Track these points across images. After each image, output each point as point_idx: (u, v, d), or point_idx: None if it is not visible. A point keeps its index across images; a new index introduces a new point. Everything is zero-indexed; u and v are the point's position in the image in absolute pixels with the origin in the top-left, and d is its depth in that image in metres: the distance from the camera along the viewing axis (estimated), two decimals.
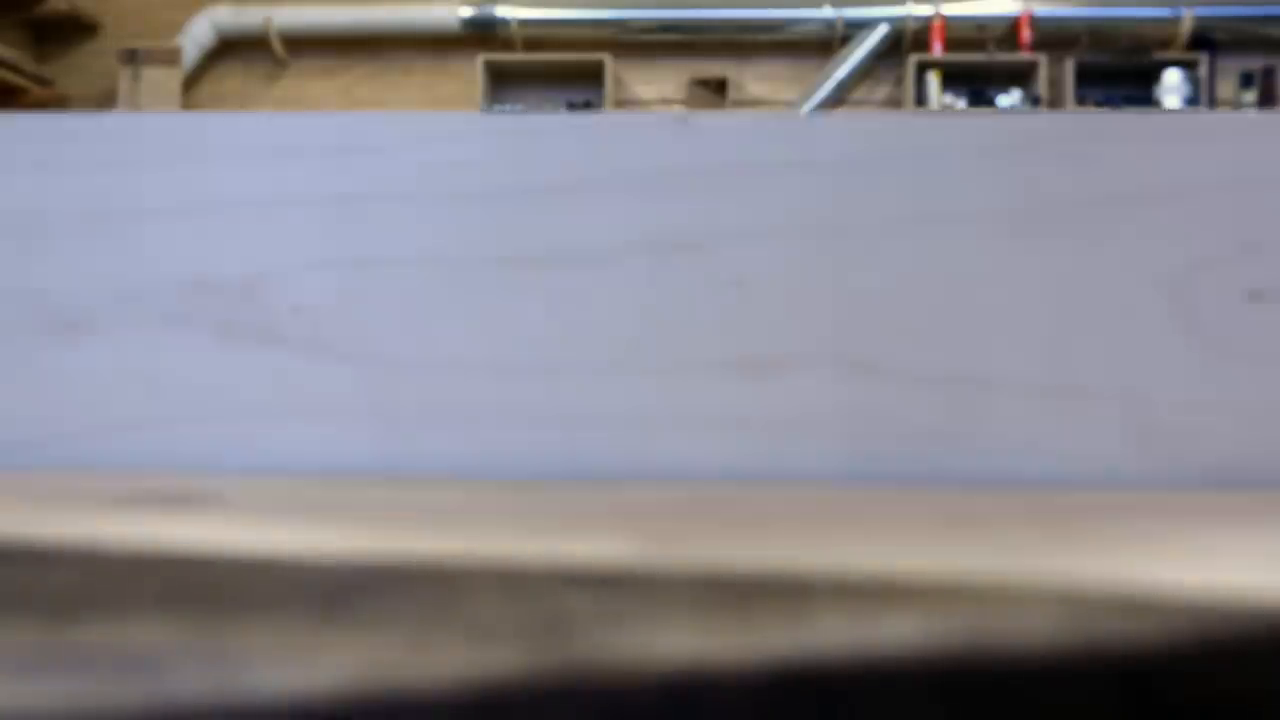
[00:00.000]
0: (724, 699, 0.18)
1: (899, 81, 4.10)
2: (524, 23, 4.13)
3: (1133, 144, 0.35)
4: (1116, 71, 3.95)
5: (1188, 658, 0.18)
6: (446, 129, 0.37)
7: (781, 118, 0.36)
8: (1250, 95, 3.88)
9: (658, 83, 4.20)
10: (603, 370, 0.36)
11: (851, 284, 0.36)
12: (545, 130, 0.37)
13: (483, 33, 4.15)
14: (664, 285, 0.36)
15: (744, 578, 0.20)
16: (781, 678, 0.18)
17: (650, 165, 0.36)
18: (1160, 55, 3.91)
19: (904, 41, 4.04)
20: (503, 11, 4.12)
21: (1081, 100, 3.92)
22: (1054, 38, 3.95)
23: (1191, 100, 3.82)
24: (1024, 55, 3.94)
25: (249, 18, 4.19)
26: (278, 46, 4.21)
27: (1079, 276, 0.35)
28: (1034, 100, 3.89)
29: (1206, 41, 3.89)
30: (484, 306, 0.36)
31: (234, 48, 4.30)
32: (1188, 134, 0.35)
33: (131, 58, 4.01)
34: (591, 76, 4.12)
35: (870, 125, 0.36)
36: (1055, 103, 3.91)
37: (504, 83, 4.22)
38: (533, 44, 4.19)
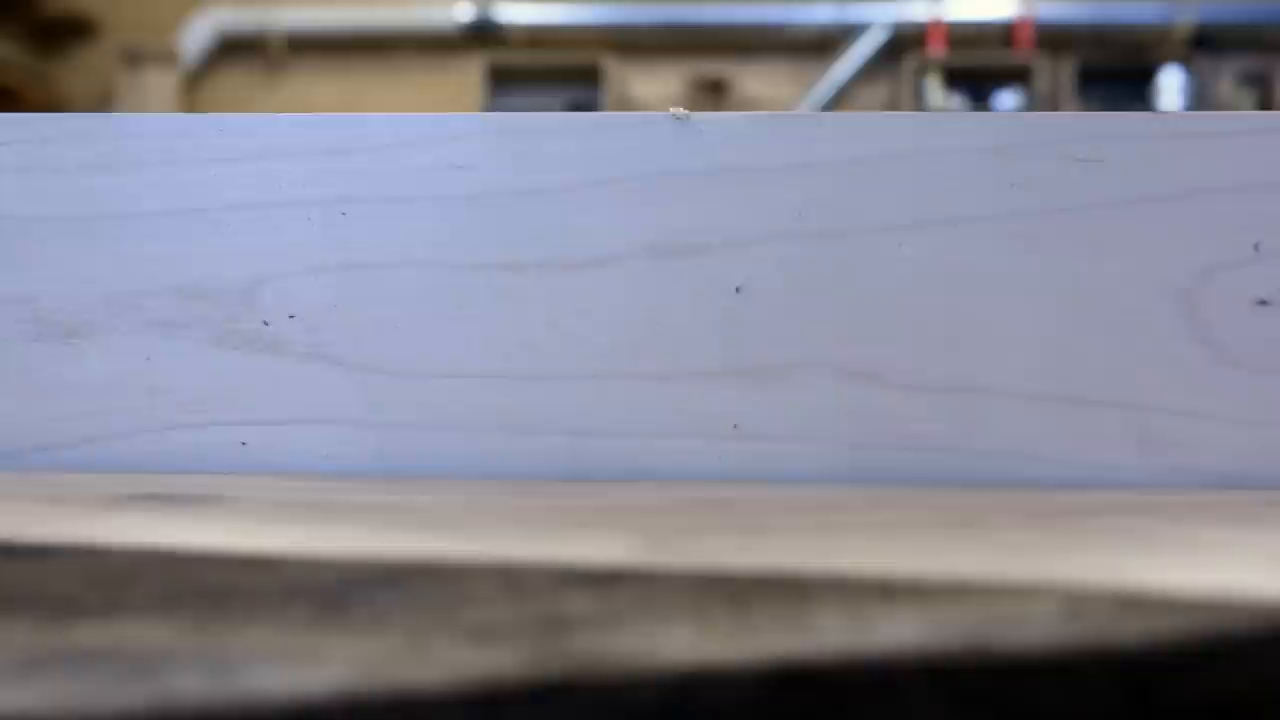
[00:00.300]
0: (723, 699, 0.18)
1: (898, 82, 4.10)
2: (524, 24, 4.13)
3: (1139, 146, 0.35)
4: (1116, 72, 3.95)
5: (1187, 655, 0.18)
6: (445, 130, 0.37)
7: (782, 118, 0.36)
8: (1249, 96, 3.88)
9: (658, 83, 4.20)
10: (602, 376, 0.36)
11: (852, 289, 0.36)
12: (544, 131, 0.36)
13: (482, 33, 4.15)
14: (664, 290, 0.36)
15: (743, 578, 0.20)
16: (781, 678, 0.18)
17: (650, 167, 0.36)
18: (1159, 56, 3.91)
19: (904, 42, 4.04)
20: (502, 12, 4.12)
21: (1081, 101, 3.92)
22: (1053, 38, 3.95)
23: (1191, 101, 3.82)
24: (1023, 56, 3.94)
25: (249, 18, 4.19)
26: (278, 47, 4.21)
27: (1083, 282, 0.35)
28: (1033, 101, 3.88)
29: (1206, 41, 3.89)
30: (483, 311, 0.36)
31: (234, 48, 4.30)
32: (1195, 136, 0.35)
33: (131, 58, 4.01)
34: (591, 77, 4.11)
35: (873, 126, 0.36)
36: (1054, 103, 3.90)
37: (504, 83, 4.22)
38: (532, 44, 4.19)
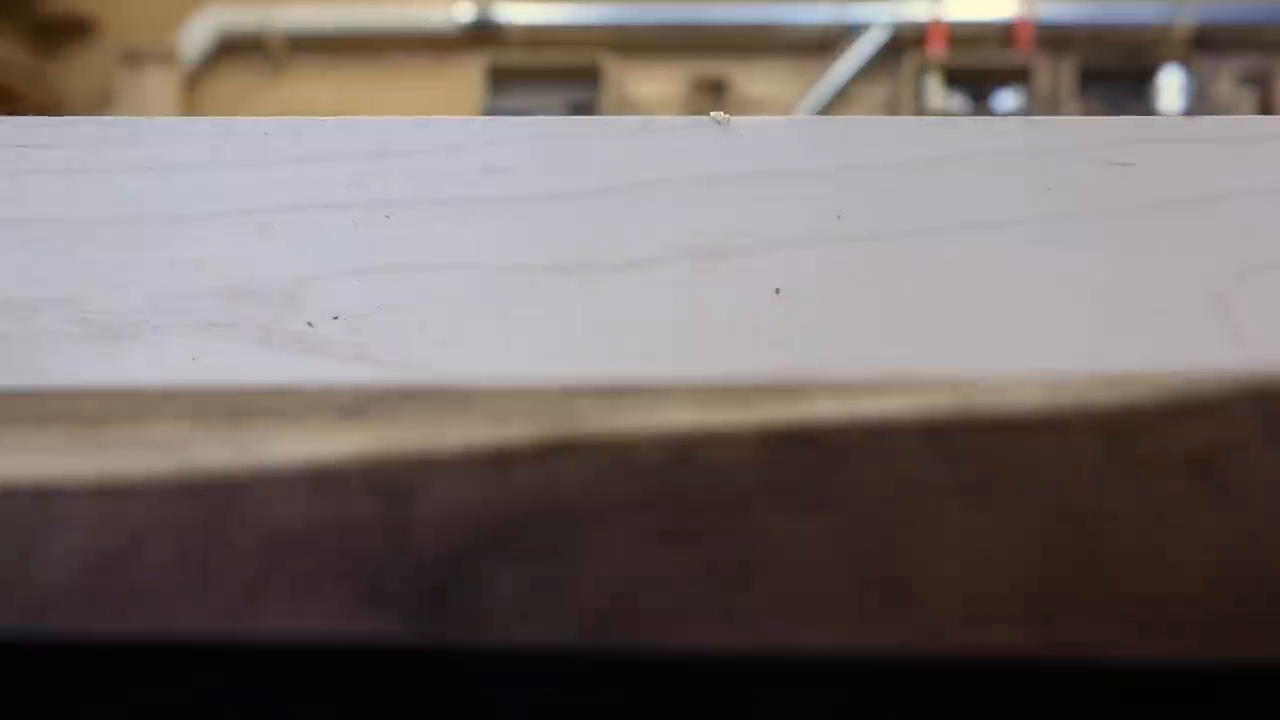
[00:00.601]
0: (724, 457, 0.18)
1: (898, 82, 4.10)
2: (523, 24, 4.13)
3: (1172, 150, 0.36)
4: (1116, 72, 3.96)
5: (1161, 413, 0.19)
6: (486, 133, 0.37)
7: (822, 122, 0.37)
8: (1249, 96, 3.89)
9: (658, 83, 4.20)
10: (644, 377, 0.36)
11: (891, 291, 0.36)
12: (585, 135, 0.37)
13: (482, 33, 4.15)
14: (704, 291, 0.36)
15: (743, 382, 0.21)
16: (780, 437, 0.19)
17: (691, 170, 0.36)
18: (1159, 56, 3.92)
19: (904, 42, 4.05)
20: (502, 12, 4.12)
21: (1081, 101, 3.93)
22: (1053, 38, 3.96)
23: (1191, 101, 3.83)
24: (1023, 56, 3.95)
25: (249, 18, 4.19)
26: (277, 47, 4.21)
27: (1117, 284, 0.36)
28: (1033, 101, 3.89)
29: (1206, 42, 3.90)
30: (525, 312, 0.37)
31: (234, 48, 4.30)
32: (1228, 140, 0.36)
33: (131, 58, 4.01)
34: (591, 77, 4.12)
35: (910, 130, 0.36)
36: (1055, 104, 3.91)
37: (504, 83, 4.22)
38: (532, 44, 4.20)
